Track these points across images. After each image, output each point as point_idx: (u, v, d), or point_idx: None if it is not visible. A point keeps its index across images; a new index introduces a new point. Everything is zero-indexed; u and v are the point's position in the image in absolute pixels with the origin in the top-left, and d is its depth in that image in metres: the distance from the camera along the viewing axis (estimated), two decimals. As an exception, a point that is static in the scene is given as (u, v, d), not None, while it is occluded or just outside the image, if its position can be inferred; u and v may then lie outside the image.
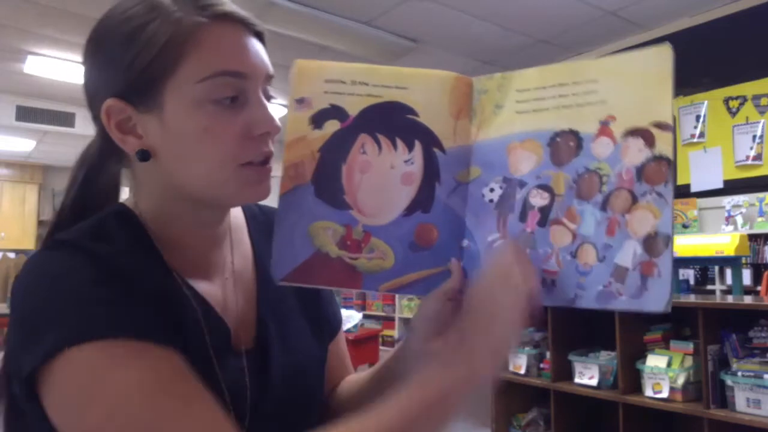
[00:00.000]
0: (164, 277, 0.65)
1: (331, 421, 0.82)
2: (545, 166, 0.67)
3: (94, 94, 0.66)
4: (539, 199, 0.67)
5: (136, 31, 0.63)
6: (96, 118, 0.67)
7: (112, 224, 0.66)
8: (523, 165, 0.68)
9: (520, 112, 0.69)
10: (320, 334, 0.81)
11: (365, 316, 6.88)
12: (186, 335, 0.62)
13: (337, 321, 0.86)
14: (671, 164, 0.62)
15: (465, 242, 0.69)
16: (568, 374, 3.06)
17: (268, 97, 0.68)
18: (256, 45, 0.66)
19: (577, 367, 3.01)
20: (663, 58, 0.64)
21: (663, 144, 0.62)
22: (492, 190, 0.69)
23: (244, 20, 0.66)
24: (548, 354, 3.16)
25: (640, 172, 0.63)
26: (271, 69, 0.68)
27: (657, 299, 0.60)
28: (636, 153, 0.63)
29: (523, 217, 0.67)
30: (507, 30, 4.51)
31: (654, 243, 0.61)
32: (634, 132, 0.63)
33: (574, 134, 0.66)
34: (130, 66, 0.63)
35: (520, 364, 3.30)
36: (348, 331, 3.82)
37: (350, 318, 3.89)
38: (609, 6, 4.16)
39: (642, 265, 0.61)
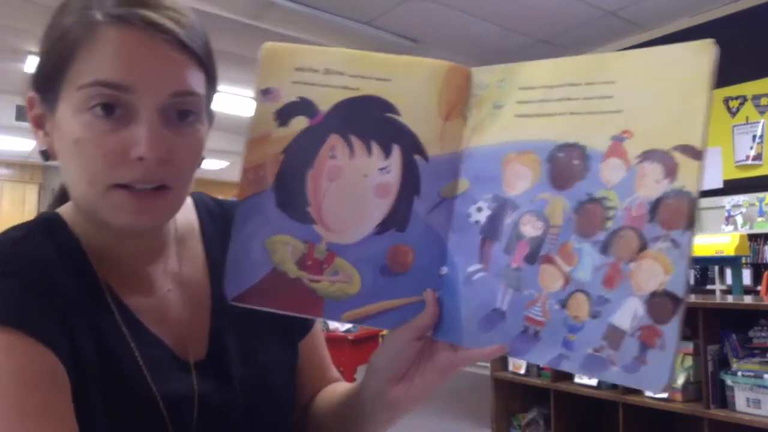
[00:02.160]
0: (86, 287, 0.61)
1: None
2: (542, 188, 0.56)
3: None
4: (530, 229, 0.56)
5: (54, 21, 0.60)
6: None
7: (38, 230, 0.63)
8: (517, 182, 0.57)
9: (520, 116, 0.58)
10: (290, 337, 0.75)
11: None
12: (108, 349, 0.59)
13: (309, 319, 0.78)
14: (694, 205, 0.49)
15: (444, 269, 0.60)
16: (568, 374, 3.05)
17: (185, 115, 0.59)
18: (162, 56, 0.57)
19: (577, 367, 3.00)
20: (701, 58, 0.50)
21: (687, 176, 0.49)
22: (480, 209, 0.59)
23: (159, 28, 0.57)
24: (548, 354, 3.16)
25: (655, 209, 0.50)
26: (182, 85, 0.58)
27: (655, 377, 0.49)
28: (652, 184, 0.50)
29: (509, 248, 0.57)
30: (507, 30, 4.51)
31: (660, 305, 0.49)
32: (652, 155, 0.51)
33: (580, 150, 0.54)
34: (41, 59, 0.61)
35: (520, 364, 3.30)
36: (348, 330, 3.82)
37: (350, 318, 3.88)
38: (609, 6, 4.16)
39: (643, 331, 0.50)
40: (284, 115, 0.61)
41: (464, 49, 4.86)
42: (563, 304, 0.54)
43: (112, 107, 0.56)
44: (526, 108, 0.58)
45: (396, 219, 0.60)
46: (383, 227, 0.60)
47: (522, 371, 3.28)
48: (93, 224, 0.63)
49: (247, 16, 4.18)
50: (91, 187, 0.58)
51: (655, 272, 0.50)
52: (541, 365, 0.56)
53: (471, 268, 0.58)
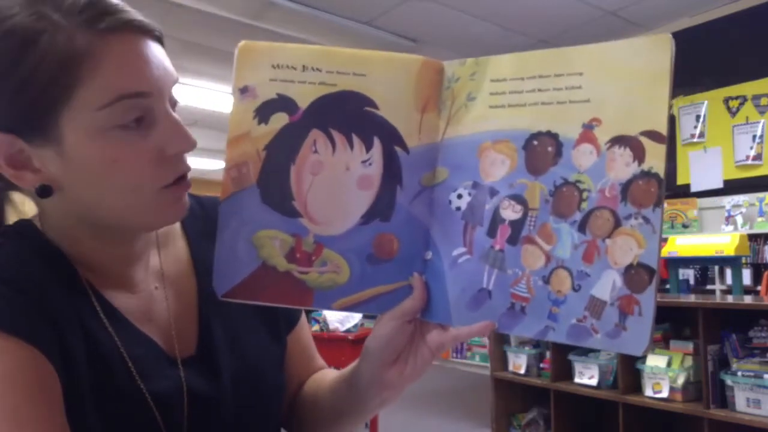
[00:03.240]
0: (69, 290, 0.61)
1: (299, 422, 0.78)
2: (519, 174, 0.59)
3: None
4: (511, 212, 0.59)
5: (22, 49, 0.54)
6: None
7: (15, 236, 0.63)
8: (495, 170, 0.60)
9: (493, 107, 0.61)
10: (277, 330, 0.76)
11: (365, 316, 6.86)
12: (96, 349, 0.60)
13: (295, 312, 0.80)
14: (662, 184, 0.53)
15: (428, 254, 0.63)
16: (568, 374, 3.06)
17: (174, 104, 0.62)
18: (158, 54, 0.59)
19: (577, 367, 3.01)
20: (660, 51, 0.54)
21: (654, 158, 0.53)
22: (460, 196, 0.62)
23: (145, 28, 0.58)
24: (548, 354, 3.16)
25: (626, 190, 0.54)
26: (175, 75, 0.61)
27: (636, 341, 0.53)
28: (622, 167, 0.55)
29: (492, 231, 0.60)
30: (507, 30, 4.51)
31: (636, 276, 0.53)
32: (621, 141, 0.55)
33: (553, 138, 0.58)
34: (16, 95, 0.55)
35: (520, 363, 3.30)
36: (348, 330, 3.82)
37: (350, 318, 3.88)
38: (609, 6, 4.16)
39: (621, 300, 0.54)
40: (264, 113, 0.62)
41: (464, 49, 4.86)
42: (546, 281, 0.58)
43: (143, 116, 0.58)
44: (499, 99, 0.61)
45: (380, 209, 0.63)
46: (368, 218, 0.63)
47: (522, 371, 3.28)
48: (81, 230, 0.63)
49: (247, 16, 4.18)
50: (140, 196, 0.59)
51: (630, 247, 0.54)
52: (529, 337, 0.60)
53: (455, 252, 0.62)
